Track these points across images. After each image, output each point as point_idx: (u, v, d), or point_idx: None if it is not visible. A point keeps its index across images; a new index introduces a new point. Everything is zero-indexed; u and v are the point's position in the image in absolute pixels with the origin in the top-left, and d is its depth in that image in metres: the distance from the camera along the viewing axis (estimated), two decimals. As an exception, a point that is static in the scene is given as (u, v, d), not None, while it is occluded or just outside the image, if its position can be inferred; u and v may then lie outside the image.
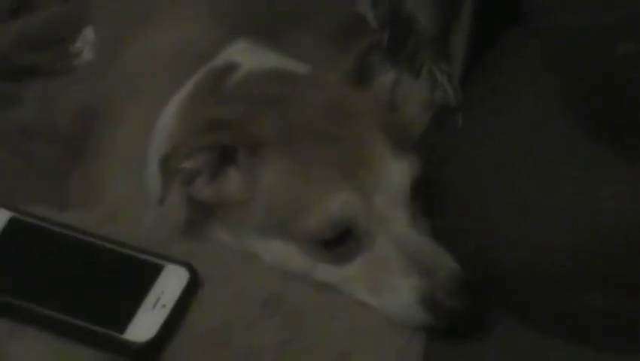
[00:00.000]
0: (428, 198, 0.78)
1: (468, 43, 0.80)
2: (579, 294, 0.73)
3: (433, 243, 0.75)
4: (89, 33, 1.07)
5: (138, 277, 0.74)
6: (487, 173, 0.77)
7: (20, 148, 0.95)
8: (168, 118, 0.83)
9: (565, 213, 0.73)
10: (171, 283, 0.74)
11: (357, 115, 0.79)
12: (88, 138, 0.93)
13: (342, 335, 0.74)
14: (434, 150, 0.81)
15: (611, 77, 0.69)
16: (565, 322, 0.74)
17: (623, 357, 0.72)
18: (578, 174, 0.73)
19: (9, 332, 0.72)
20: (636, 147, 0.70)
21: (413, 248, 0.74)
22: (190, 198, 0.80)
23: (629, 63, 0.67)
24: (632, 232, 0.71)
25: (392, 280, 0.74)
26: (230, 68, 0.85)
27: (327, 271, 0.76)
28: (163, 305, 0.72)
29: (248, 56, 0.86)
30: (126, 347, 0.71)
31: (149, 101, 0.87)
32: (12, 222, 0.76)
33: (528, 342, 0.74)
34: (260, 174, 0.77)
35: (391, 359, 0.73)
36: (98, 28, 1.06)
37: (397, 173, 0.76)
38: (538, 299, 0.74)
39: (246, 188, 0.78)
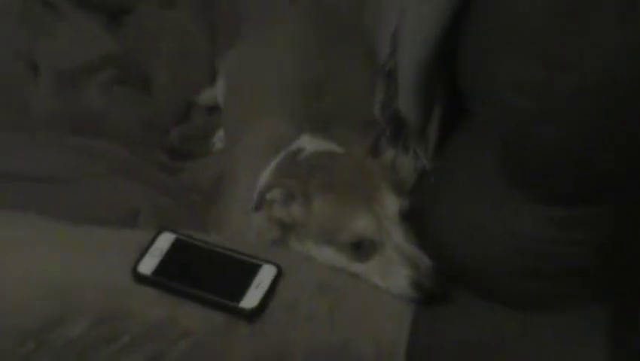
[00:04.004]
0: (416, 222, 0.76)
1: (437, 134, 0.79)
2: (505, 278, 0.71)
3: (417, 248, 0.74)
4: (220, 133, 1.08)
5: (247, 271, 0.73)
6: (448, 207, 0.76)
7: (181, 198, 0.95)
8: (264, 180, 0.83)
9: (497, 233, 0.71)
10: (266, 274, 0.73)
11: (372, 174, 0.78)
12: (219, 193, 0.93)
13: (366, 304, 0.73)
14: (418, 194, 0.79)
15: (521, 153, 0.67)
16: (502, 294, 0.72)
17: (542, 314, 0.70)
18: (505, 211, 0.70)
19: (178, 302, 0.71)
20: (545, 194, 0.68)
21: (406, 252, 0.73)
22: (272, 219, 0.78)
23: (541, 141, 0.64)
24: (538, 246, 0.69)
25: (394, 272, 0.73)
26: (300, 150, 0.84)
27: (355, 266, 0.75)
28: (262, 287, 0.72)
29: (310, 143, 0.85)
30: (241, 312, 0.71)
31: (253, 171, 0.85)
32: (176, 240, 0.75)
33: (479, 307, 0.72)
34: (313, 208, 0.76)
35: (394, 317, 0.71)
36: (225, 130, 1.06)
37: (395, 206, 0.75)
38: (484, 282, 0.72)
39: (305, 216, 0.77)
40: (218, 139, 1.09)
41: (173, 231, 0.76)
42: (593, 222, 0.66)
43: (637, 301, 0.68)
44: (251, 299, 0.71)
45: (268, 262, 0.74)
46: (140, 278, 0.72)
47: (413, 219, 0.76)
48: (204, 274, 0.73)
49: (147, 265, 0.73)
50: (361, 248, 0.74)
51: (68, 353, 0.70)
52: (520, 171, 0.68)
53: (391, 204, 0.75)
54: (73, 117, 1.01)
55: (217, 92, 1.11)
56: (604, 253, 0.68)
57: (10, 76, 1.04)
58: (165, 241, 0.75)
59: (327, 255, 0.76)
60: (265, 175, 0.83)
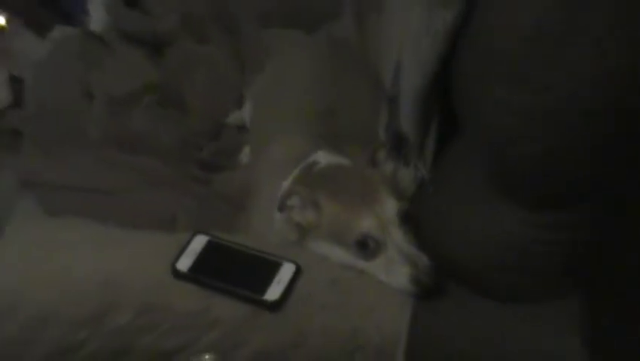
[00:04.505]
0: (415, 225, 0.76)
1: (433, 149, 0.79)
2: (495, 275, 0.71)
3: (416, 248, 0.74)
4: (246, 149, 1.08)
5: (270, 268, 0.73)
6: (444, 212, 0.76)
7: (213, 206, 0.94)
8: (285, 188, 0.83)
9: (487, 235, 0.71)
10: (286, 271, 0.73)
11: (374, 181, 0.78)
12: (246, 200, 0.93)
13: (372, 297, 0.73)
14: (417, 201, 0.79)
15: (509, 165, 0.67)
16: (492, 289, 0.71)
17: (525, 306, 0.70)
18: (494, 215, 0.70)
19: (211, 295, 0.72)
20: (528, 200, 0.68)
21: (406, 252, 0.73)
22: (291, 223, 0.78)
23: (524, 155, 0.65)
24: (523, 246, 0.69)
25: (396, 269, 0.73)
26: (315, 163, 0.85)
27: (362, 264, 0.75)
28: (283, 282, 0.72)
29: (323, 158, 0.85)
30: (264, 303, 0.71)
31: (276, 182, 0.85)
32: (209, 242, 0.76)
33: (472, 301, 0.72)
34: (324, 212, 0.77)
35: (396, 309, 0.72)
36: (251, 147, 1.06)
37: (394, 208, 0.75)
38: (476, 278, 0.72)
39: (317, 219, 0.77)
40: (245, 155, 1.08)
41: (206, 233, 0.77)
42: (570, 225, 0.67)
43: (613, 296, 0.68)
44: (273, 293, 0.71)
45: (288, 260, 0.74)
46: (178, 274, 0.73)
47: (413, 223, 0.75)
48: (233, 270, 0.74)
49: (184, 263, 0.74)
50: (367, 248, 0.74)
51: (115, 339, 0.71)
52: (507, 181, 0.69)
53: (391, 206, 0.75)
54: (121, 137, 1.01)
55: (244, 114, 1.11)
56: (578, 252, 0.68)
57: (70, 102, 1.05)
58: (199, 242, 0.76)
59: (338, 254, 0.76)
60: (286, 185, 0.84)
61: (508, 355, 0.69)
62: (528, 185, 0.67)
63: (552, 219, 0.67)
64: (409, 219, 0.75)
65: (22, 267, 0.74)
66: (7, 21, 1.30)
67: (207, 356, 0.64)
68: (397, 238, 0.74)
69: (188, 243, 0.75)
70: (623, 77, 0.59)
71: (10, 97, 1.28)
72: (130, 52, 1.14)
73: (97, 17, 1.22)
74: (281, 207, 0.78)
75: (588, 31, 0.58)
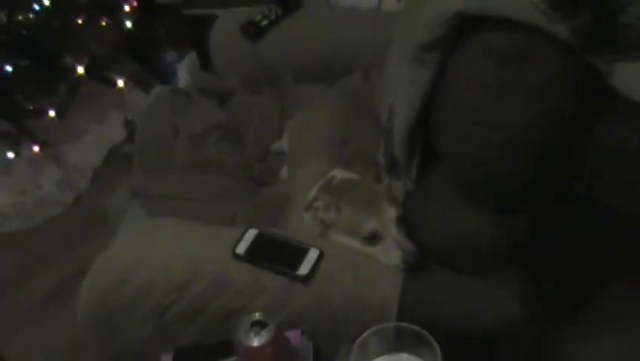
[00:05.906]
0: (406, 223, 0.76)
1: (417, 169, 0.79)
2: (462, 261, 0.72)
3: (406, 239, 0.74)
4: (285, 169, 1.08)
5: (301, 252, 0.74)
6: (424, 214, 0.76)
7: (262, 209, 0.94)
8: (311, 195, 0.82)
9: (456, 229, 0.71)
10: (313, 254, 0.73)
11: (377, 192, 0.78)
12: (285, 205, 0.94)
13: (375, 272, 0.73)
14: (406, 206, 0.78)
15: (472, 182, 0.68)
16: (458, 266, 0.71)
17: (481, 277, 0.70)
18: (461, 216, 0.71)
19: (260, 271, 0.72)
20: (484, 206, 0.69)
21: (399, 241, 0.74)
22: (316, 220, 0.78)
23: (482, 175, 0.66)
24: (481, 237, 0.70)
25: (391, 253, 0.74)
26: (333, 178, 0.84)
27: (368, 250, 0.75)
28: (311, 261, 0.72)
29: (339, 174, 0.85)
30: (298, 277, 0.71)
31: (305, 192, 0.84)
32: (259, 233, 0.76)
33: (444, 274, 0.72)
34: (341, 214, 0.77)
35: (392, 280, 0.72)
36: (289, 167, 1.06)
37: (392, 214, 0.75)
38: (447, 259, 0.72)
39: (336, 218, 0.77)
40: (284, 172, 1.05)
41: (256, 228, 0.78)
42: (514, 225, 0.68)
43: (541, 271, 0.69)
44: (303, 269, 0.72)
45: (314, 246, 0.75)
46: (237, 256, 0.74)
47: (405, 222, 0.76)
48: (275, 253, 0.75)
49: (241, 248, 0.75)
50: (372, 239, 0.75)
51: (195, 302, 0.73)
52: (471, 193, 0.70)
53: (390, 212, 0.76)
54: (198, 161, 1.03)
55: (283, 144, 1.11)
56: (520, 242, 0.69)
57: (163, 137, 1.10)
58: (251, 234, 0.77)
59: (351, 243, 0.77)
60: (312, 193, 0.84)
61: (470, 312, 0.69)
62: (486, 196, 0.68)
63: (500, 220, 0.68)
64: (402, 220, 0.76)
65: (132, 253, 0.77)
66: (125, 83, 1.48)
67: (257, 314, 0.64)
68: (393, 232, 0.75)
69: (243, 234, 0.77)
70: (551, 119, 0.61)
71: (125, 134, 1.47)
72: (205, 102, 1.18)
73: (183, 79, 1.33)
74: (308, 208, 0.80)
75: (519, 86, 0.61)
